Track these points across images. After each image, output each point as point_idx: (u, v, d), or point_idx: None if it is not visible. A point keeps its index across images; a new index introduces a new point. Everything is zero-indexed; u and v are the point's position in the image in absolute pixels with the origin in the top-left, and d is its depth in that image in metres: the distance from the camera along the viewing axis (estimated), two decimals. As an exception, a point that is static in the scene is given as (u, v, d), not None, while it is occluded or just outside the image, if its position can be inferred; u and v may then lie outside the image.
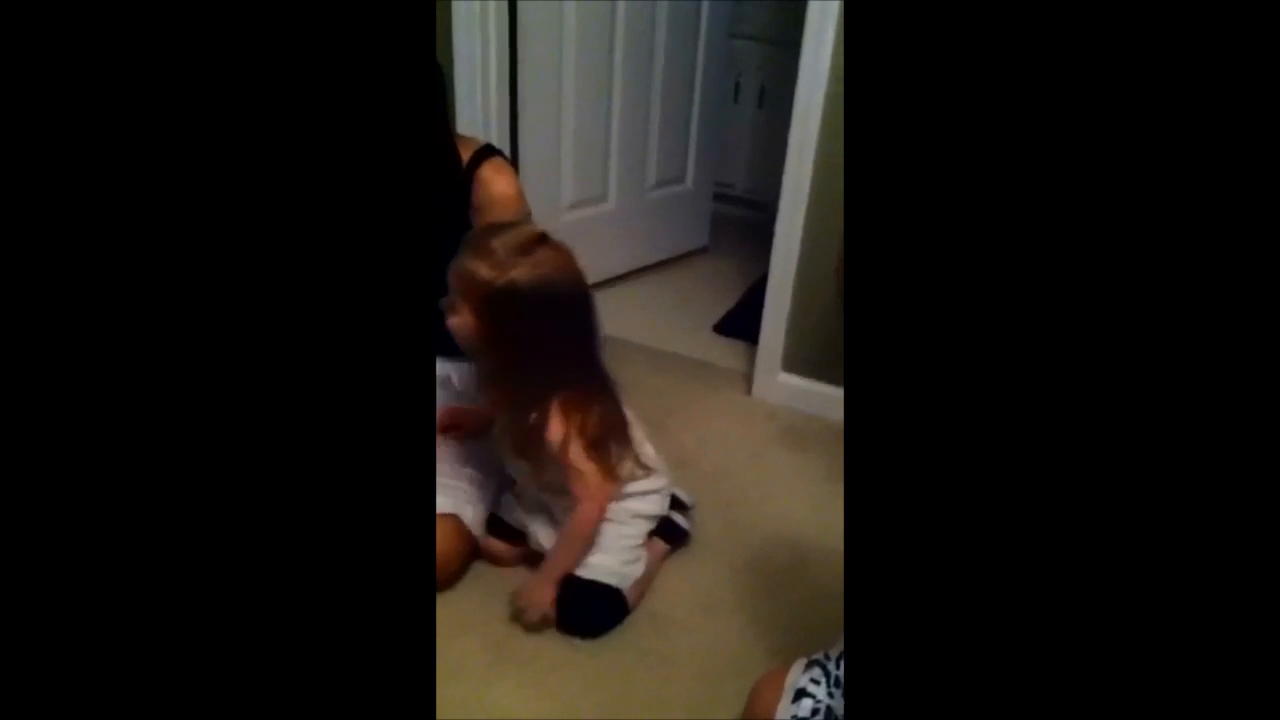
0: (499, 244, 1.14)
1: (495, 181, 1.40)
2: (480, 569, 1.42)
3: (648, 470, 1.36)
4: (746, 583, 1.45)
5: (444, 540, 1.31)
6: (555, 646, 1.30)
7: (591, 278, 2.42)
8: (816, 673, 1.02)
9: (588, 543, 1.31)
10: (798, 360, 1.94)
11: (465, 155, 1.40)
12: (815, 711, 0.98)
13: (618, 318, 2.35)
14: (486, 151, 1.42)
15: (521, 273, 1.13)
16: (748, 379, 2.04)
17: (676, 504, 1.50)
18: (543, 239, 1.18)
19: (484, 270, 1.13)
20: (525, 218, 1.43)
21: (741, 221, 2.99)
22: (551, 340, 1.19)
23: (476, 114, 1.97)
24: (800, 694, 1.01)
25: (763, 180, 2.92)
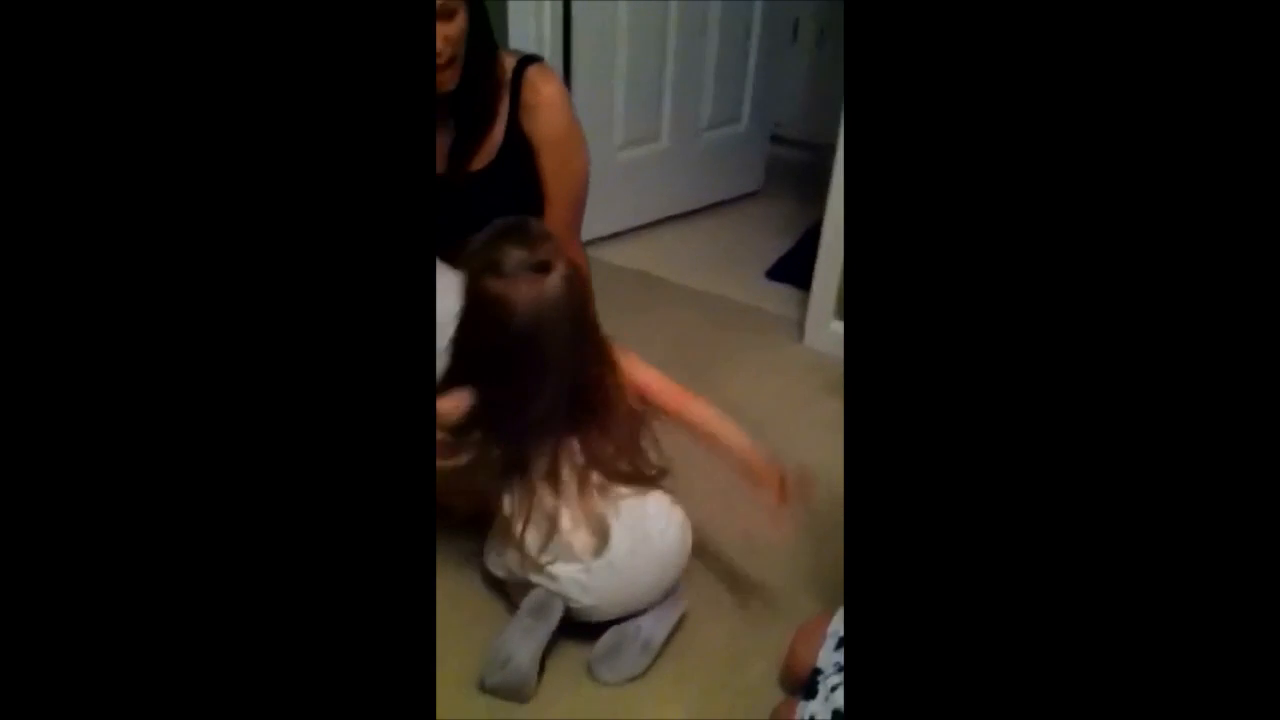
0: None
1: (544, 84, 1.40)
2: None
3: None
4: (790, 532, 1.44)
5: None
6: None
7: (643, 218, 2.44)
8: (861, 622, 1.02)
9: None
10: (851, 308, 1.90)
11: (510, 63, 1.40)
12: (858, 660, 0.98)
13: (668, 260, 2.32)
14: (531, 59, 1.42)
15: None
16: (799, 326, 2.01)
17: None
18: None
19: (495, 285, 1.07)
20: (575, 126, 1.44)
21: (797, 164, 2.92)
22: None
23: (530, 44, 1.94)
24: (842, 641, 1.00)
25: (820, 122, 2.84)
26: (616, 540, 1.15)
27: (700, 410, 1.23)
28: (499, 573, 1.25)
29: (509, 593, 1.25)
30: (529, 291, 1.05)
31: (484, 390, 1.13)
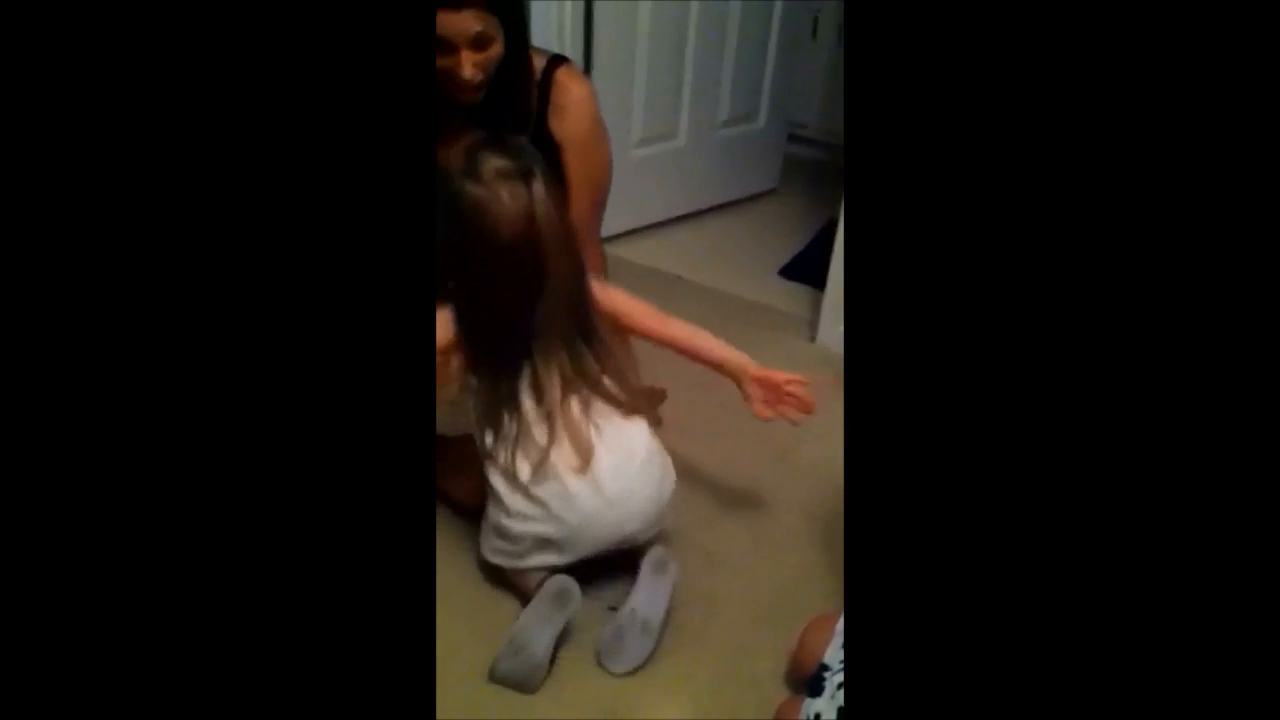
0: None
1: (573, 85, 1.41)
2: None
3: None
4: (800, 527, 1.45)
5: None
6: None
7: (658, 215, 2.44)
8: (866, 621, 1.02)
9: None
10: (864, 308, 1.90)
11: (539, 63, 1.41)
12: (863, 659, 0.98)
13: (682, 257, 2.33)
14: (560, 59, 1.44)
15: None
16: (812, 325, 2.02)
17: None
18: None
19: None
20: (600, 127, 1.44)
21: (812, 163, 2.92)
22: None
23: (551, 40, 1.95)
24: (849, 641, 1.01)
25: (838, 121, 2.83)
26: (599, 455, 1.16)
27: (680, 326, 1.28)
28: (495, 558, 1.25)
29: (509, 580, 1.27)
30: (514, 203, 1.04)
31: (469, 305, 1.13)
